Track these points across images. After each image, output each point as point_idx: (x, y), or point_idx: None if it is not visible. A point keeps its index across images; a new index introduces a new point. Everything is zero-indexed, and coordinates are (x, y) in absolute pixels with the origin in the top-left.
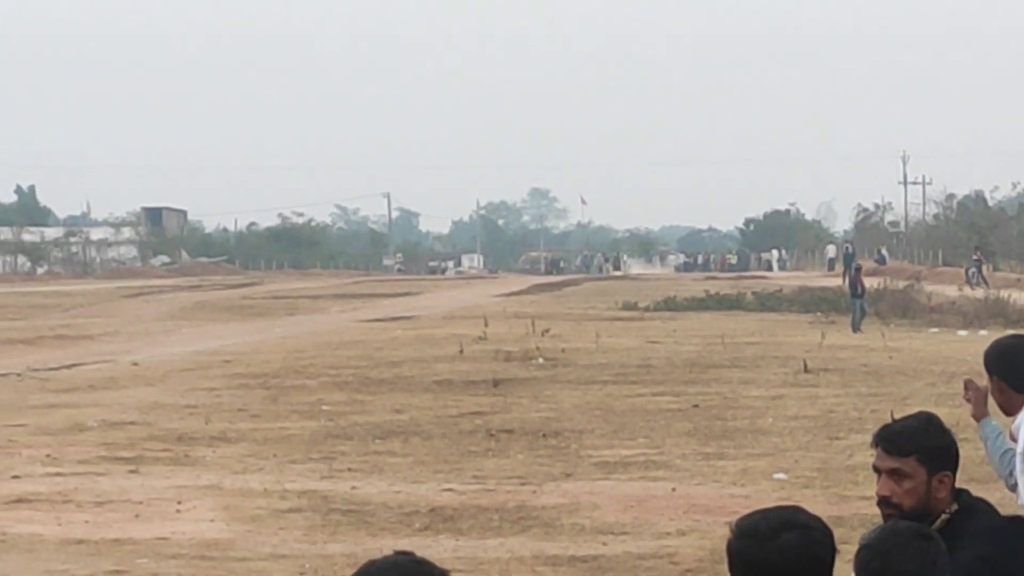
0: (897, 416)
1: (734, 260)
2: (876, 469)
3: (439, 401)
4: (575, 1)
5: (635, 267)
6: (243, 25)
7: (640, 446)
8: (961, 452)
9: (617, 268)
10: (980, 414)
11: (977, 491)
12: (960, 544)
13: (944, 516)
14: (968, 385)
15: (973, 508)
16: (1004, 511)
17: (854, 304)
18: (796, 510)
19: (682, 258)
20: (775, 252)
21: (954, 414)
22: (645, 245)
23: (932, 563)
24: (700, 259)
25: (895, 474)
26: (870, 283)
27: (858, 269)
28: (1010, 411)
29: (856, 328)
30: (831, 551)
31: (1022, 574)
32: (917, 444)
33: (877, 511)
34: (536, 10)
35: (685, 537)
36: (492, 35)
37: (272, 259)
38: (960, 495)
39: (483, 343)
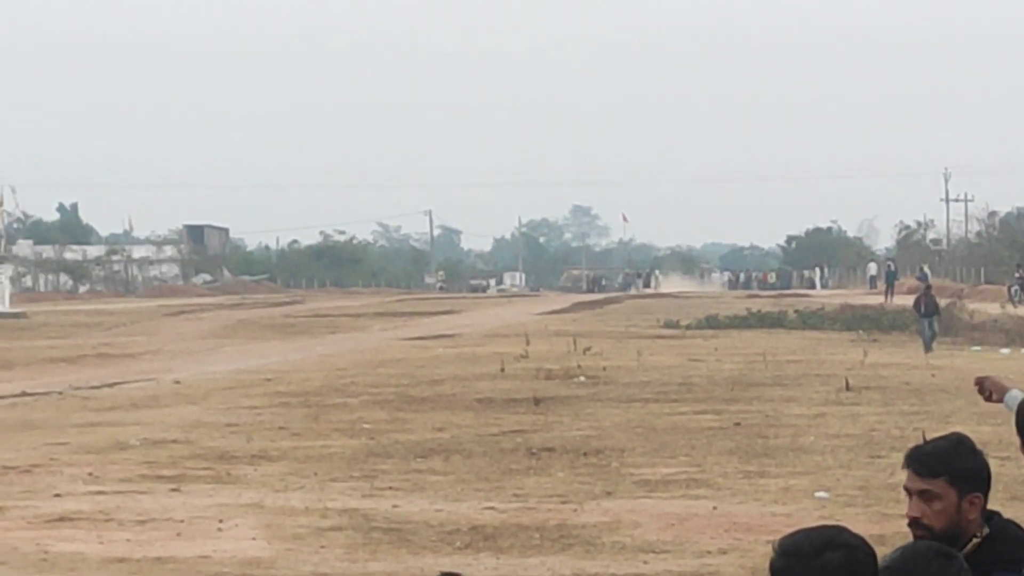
0: (929, 437)
1: (773, 279)
2: (907, 490)
3: (480, 419)
4: (613, 17)
5: (671, 284)
6: (286, 42)
7: (681, 464)
8: (1004, 470)
9: (648, 285)
10: (1001, 391)
11: (1020, 508)
12: (989, 570)
13: (975, 540)
14: (978, 382)
15: (1004, 531)
16: None
17: (923, 324)
18: (839, 530)
19: (727, 275)
20: (818, 270)
21: (996, 432)
22: (687, 263)
23: None
24: (742, 277)
25: (925, 495)
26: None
27: (928, 288)
28: None
29: (928, 348)
30: (874, 571)
31: None
32: (947, 465)
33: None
34: (577, 26)
35: (726, 556)
36: (533, 51)
37: (314, 277)
38: (992, 518)
39: (524, 361)
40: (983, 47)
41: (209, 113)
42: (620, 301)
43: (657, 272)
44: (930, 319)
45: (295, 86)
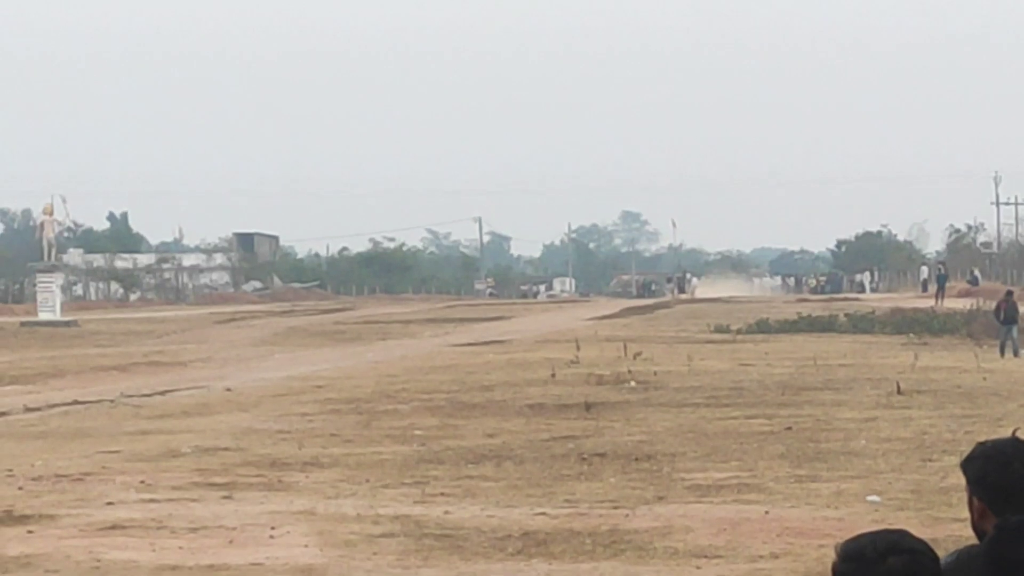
0: (979, 440)
1: (812, 283)
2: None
3: (531, 425)
4: (662, 23)
5: (708, 288)
6: (332, 48)
7: (733, 469)
8: None
9: (682, 291)
10: None
11: None
12: None
13: None
14: None
15: None
16: None
17: (1004, 331)
18: (902, 534)
19: (779, 280)
20: (868, 274)
21: None
22: (737, 267)
23: None
24: (793, 281)
25: None
26: (962, 304)
27: (1009, 293)
28: None
29: (1016, 353)
30: (936, 575)
31: None
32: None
33: (971, 533)
34: (626, 32)
35: (778, 560)
36: (581, 58)
37: (364, 284)
38: None
39: (575, 367)
40: None
41: (258, 121)
42: (671, 306)
43: (690, 275)
44: (1009, 327)
45: (344, 93)
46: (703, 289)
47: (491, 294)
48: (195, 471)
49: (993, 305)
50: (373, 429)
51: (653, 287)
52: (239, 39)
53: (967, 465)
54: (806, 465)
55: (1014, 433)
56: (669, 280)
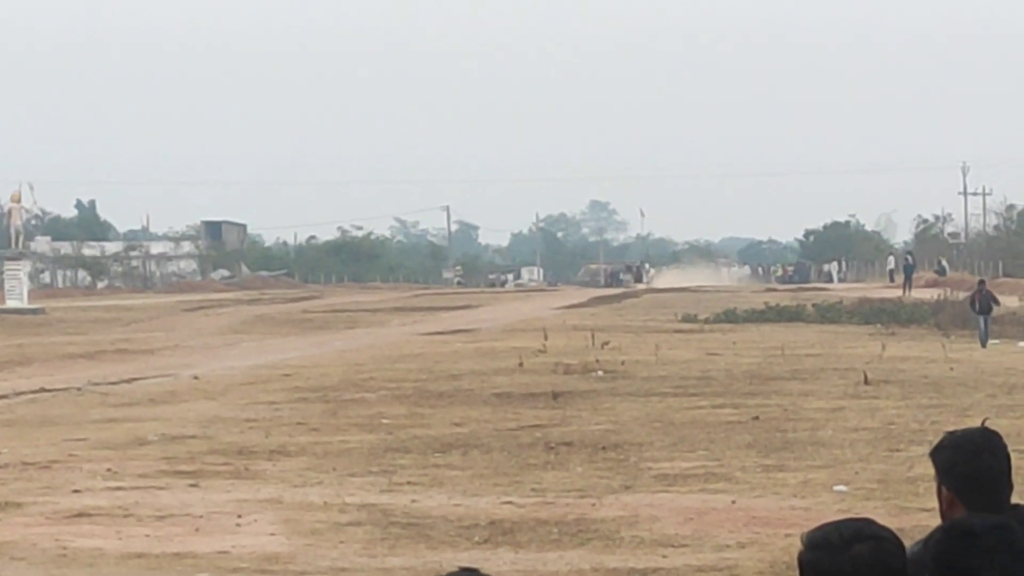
0: (947, 430)
1: (778, 272)
2: None
3: (499, 414)
4: (631, 13)
5: (668, 278)
6: (300, 39)
7: (700, 458)
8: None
9: (639, 280)
10: None
11: None
12: None
13: None
14: None
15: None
16: None
17: (981, 321)
18: (867, 522)
19: (747, 268)
20: (836, 264)
21: (1015, 426)
22: (704, 256)
23: None
24: (760, 270)
25: None
26: (930, 294)
27: (982, 283)
28: None
29: (983, 343)
30: (903, 563)
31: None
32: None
33: (938, 522)
34: (592, 21)
35: (745, 550)
36: (549, 47)
37: (332, 272)
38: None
39: (543, 356)
40: (1001, 42)
41: (226, 110)
42: (638, 295)
43: (648, 265)
44: (985, 316)
45: (312, 83)
46: (663, 279)
47: (459, 283)
48: (162, 459)
49: (963, 295)
50: (340, 418)
51: (622, 276)
52: (208, 29)
53: (936, 455)
54: (773, 455)
55: (983, 423)
56: (629, 269)
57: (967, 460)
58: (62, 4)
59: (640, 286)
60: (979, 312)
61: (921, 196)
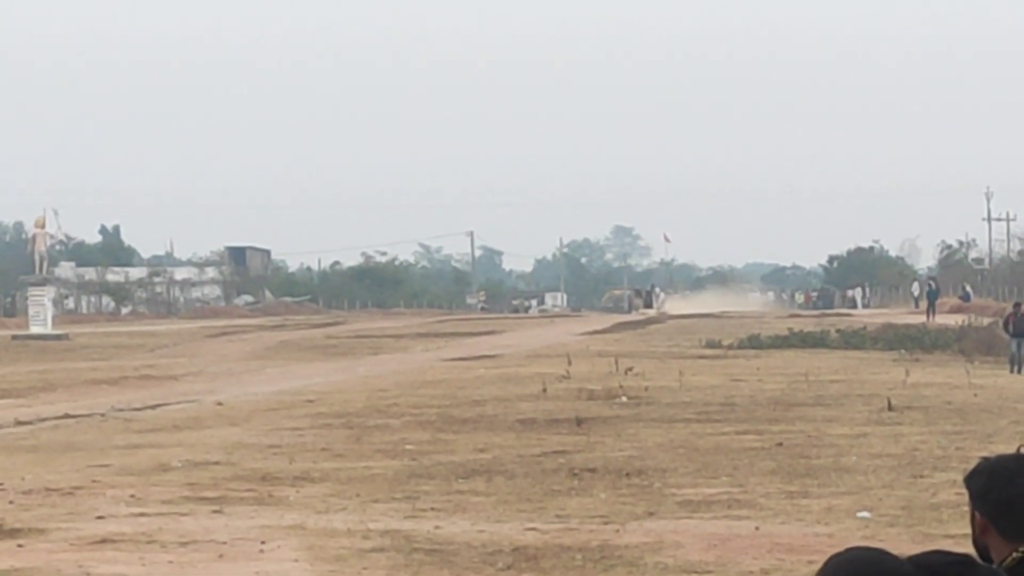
0: (973, 456)
1: (800, 299)
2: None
3: (522, 440)
4: (655, 34)
5: (680, 304)
6: (330, 62)
7: (724, 484)
8: None
9: (649, 305)
10: None
11: None
12: None
13: (1016, 555)
14: None
15: None
16: None
17: (1014, 344)
18: (882, 554)
19: (771, 294)
20: (860, 289)
21: None
22: (725, 282)
23: None
24: (785, 296)
25: None
26: (954, 320)
27: (1017, 305)
28: None
29: (1020, 369)
30: None
31: None
32: None
33: (964, 549)
34: (617, 44)
35: None
36: (574, 68)
37: (355, 298)
38: None
39: (566, 382)
40: None
41: (250, 134)
42: (662, 321)
43: (659, 289)
44: (1019, 339)
45: (339, 106)
46: (674, 304)
47: (482, 308)
48: (185, 485)
49: (987, 321)
50: (364, 444)
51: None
52: (232, 51)
53: (970, 480)
54: (797, 481)
55: (1019, 449)
56: (638, 294)
57: (1002, 486)
58: (89, 24)
59: (651, 312)
60: (1013, 335)
61: (945, 222)
